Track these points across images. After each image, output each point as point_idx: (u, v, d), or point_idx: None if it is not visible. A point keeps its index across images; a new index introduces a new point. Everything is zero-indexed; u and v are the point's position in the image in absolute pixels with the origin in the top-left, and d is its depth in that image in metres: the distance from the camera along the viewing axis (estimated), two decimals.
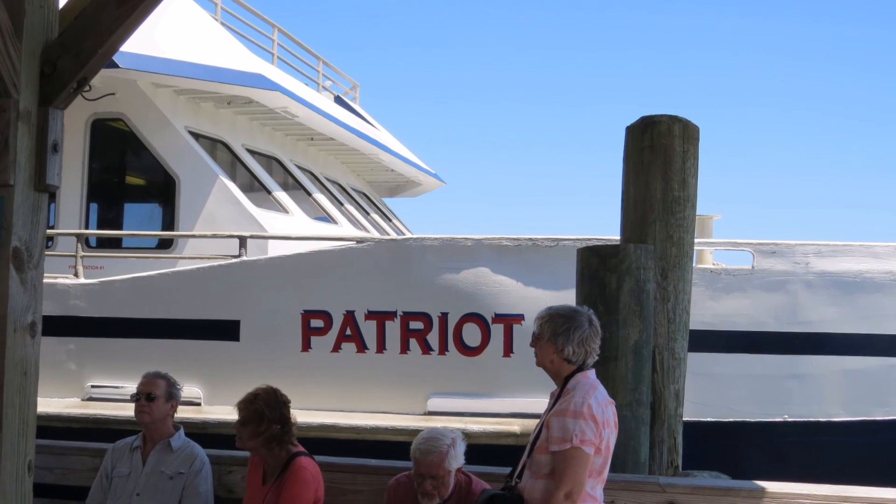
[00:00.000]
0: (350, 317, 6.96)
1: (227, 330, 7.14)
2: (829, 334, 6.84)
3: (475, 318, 6.84)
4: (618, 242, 5.06)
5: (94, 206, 9.34)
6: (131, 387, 4.81)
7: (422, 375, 6.88)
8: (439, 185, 15.75)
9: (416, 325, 6.89)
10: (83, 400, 7.37)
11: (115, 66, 7.95)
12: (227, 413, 5.44)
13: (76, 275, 7.65)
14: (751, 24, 53.08)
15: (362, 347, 6.95)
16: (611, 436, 3.56)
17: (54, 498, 4.87)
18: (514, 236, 6.92)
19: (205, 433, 5.70)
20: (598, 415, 3.46)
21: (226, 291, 7.21)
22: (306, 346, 7.03)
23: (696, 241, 5.15)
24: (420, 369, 6.88)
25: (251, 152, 10.30)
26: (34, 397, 2.95)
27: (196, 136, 9.36)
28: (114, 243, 9.09)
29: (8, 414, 2.81)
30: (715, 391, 6.59)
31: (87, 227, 9.07)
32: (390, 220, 13.95)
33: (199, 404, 7.11)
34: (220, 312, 7.20)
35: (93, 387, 7.37)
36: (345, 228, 10.73)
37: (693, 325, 5.02)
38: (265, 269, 7.25)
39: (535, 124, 53.97)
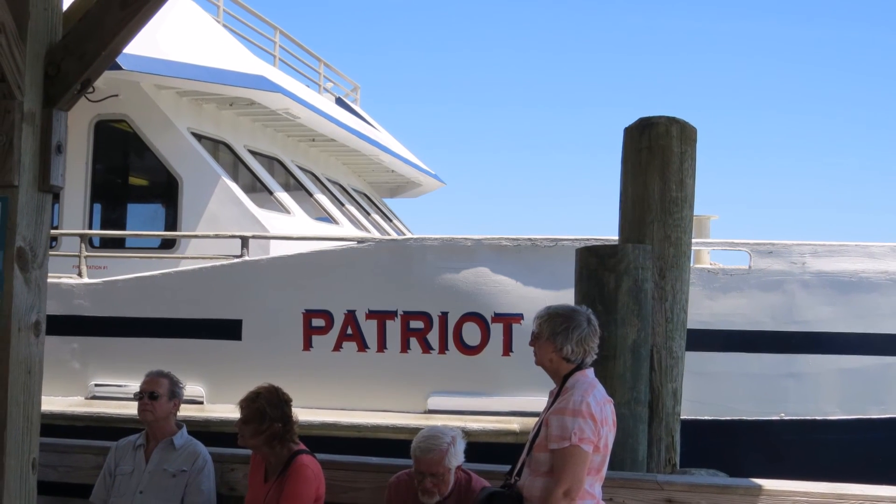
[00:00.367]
0: (351, 316, 6.98)
1: (229, 329, 7.17)
2: (826, 333, 6.86)
3: (475, 317, 6.86)
4: (616, 242, 5.07)
5: (97, 207, 9.36)
6: (134, 385, 4.85)
7: (422, 374, 6.90)
8: (439, 186, 15.75)
9: (416, 324, 6.92)
10: (87, 398, 7.40)
11: (119, 67, 7.97)
12: (230, 411, 5.44)
13: (80, 274, 7.68)
14: (748, 26, 53.09)
15: (363, 346, 6.97)
16: (609, 434, 3.58)
17: (58, 495, 4.87)
18: (514, 236, 6.93)
19: (207, 431, 5.74)
20: (597, 413, 3.48)
21: (228, 291, 7.24)
22: (308, 345, 7.06)
23: (693, 241, 5.16)
24: (420, 368, 6.90)
25: (253, 153, 10.32)
26: (38, 396, 2.97)
27: (198, 137, 9.39)
28: (117, 243, 9.11)
29: (12, 412, 2.84)
30: (712, 390, 6.60)
31: (90, 228, 9.10)
32: (391, 221, 13.95)
33: (201, 403, 7.14)
34: (223, 312, 7.22)
35: (96, 385, 7.40)
36: (346, 229, 10.74)
37: (690, 325, 5.03)
38: (267, 268, 7.28)
39: (534, 125, 54.01)
